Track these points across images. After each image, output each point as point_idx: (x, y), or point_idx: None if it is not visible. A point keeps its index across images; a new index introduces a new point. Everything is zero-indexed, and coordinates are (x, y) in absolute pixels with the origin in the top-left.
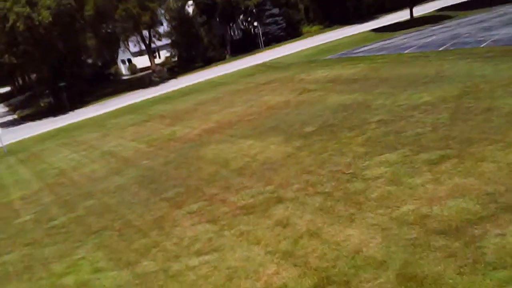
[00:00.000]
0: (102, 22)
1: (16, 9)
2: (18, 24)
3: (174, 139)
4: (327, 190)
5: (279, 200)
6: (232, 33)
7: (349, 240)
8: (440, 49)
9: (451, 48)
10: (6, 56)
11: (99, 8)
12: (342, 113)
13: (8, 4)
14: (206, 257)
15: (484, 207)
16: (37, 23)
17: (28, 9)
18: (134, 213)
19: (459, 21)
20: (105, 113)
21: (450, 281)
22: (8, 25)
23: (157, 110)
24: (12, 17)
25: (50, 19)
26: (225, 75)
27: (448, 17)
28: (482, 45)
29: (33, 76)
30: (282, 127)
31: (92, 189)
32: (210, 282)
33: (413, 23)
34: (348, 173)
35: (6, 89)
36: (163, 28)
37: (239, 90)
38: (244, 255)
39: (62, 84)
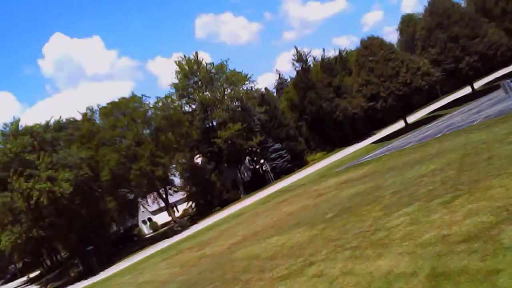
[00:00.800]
0: (119, 186)
1: (38, 186)
2: (41, 199)
3: (205, 256)
4: (354, 245)
5: (312, 263)
6: (241, 175)
7: (380, 268)
8: (438, 135)
9: (448, 133)
10: (34, 230)
11: (115, 173)
12: (358, 197)
13: (30, 184)
14: None
15: (498, 216)
16: (59, 195)
17: (49, 184)
18: None
19: (451, 115)
20: (134, 262)
21: (475, 267)
22: (32, 202)
23: (185, 245)
24: (35, 194)
25: (71, 189)
26: (243, 207)
27: (440, 115)
28: (475, 123)
29: (61, 254)
30: (304, 221)
31: None
32: None
33: (409, 128)
34: (371, 230)
35: (36, 273)
36: (177, 182)
37: (258, 212)
38: None
39: (90, 247)
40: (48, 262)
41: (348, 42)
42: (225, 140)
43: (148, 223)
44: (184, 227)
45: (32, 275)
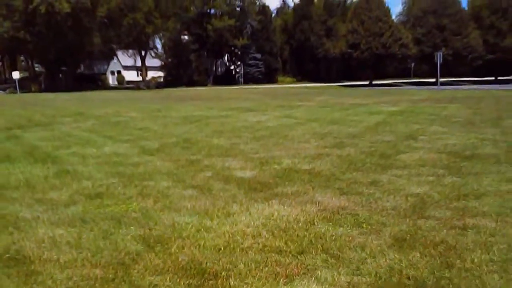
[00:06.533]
0: (108, 29)
1: None
2: (40, 7)
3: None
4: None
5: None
6: (215, 69)
7: None
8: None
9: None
10: (22, 31)
11: (111, 13)
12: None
13: None
14: None
15: None
16: (56, 10)
17: None
18: None
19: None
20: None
21: None
22: (31, 6)
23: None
24: (36, 1)
25: (69, 10)
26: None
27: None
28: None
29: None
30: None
31: None
32: None
33: (371, 86)
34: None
35: None
36: (159, 49)
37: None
38: None
39: (63, 68)
40: (7, 74)
41: None
42: (215, 29)
43: (116, 75)
44: (149, 88)
45: None
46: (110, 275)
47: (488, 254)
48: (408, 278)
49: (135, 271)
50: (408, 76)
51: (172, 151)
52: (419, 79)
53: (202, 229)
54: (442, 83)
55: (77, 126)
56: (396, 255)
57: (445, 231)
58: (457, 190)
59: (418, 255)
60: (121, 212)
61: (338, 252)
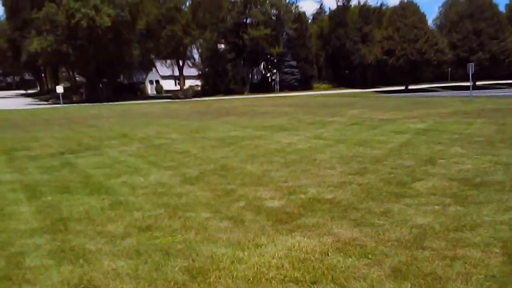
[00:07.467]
0: (146, 40)
1: (84, 10)
2: (82, 22)
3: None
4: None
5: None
6: (252, 77)
7: None
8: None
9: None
10: (65, 45)
11: (150, 25)
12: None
13: (78, 5)
14: None
15: None
16: (97, 24)
17: (93, 12)
18: None
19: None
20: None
21: None
22: (73, 21)
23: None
24: (78, 16)
25: (109, 24)
26: (243, 97)
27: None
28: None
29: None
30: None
31: None
32: None
33: (406, 91)
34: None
35: (32, 90)
36: (196, 59)
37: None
38: None
39: (104, 79)
40: (49, 85)
41: None
42: (252, 38)
43: (154, 84)
44: (187, 97)
45: (29, 91)
46: None
47: (467, 284)
48: None
49: None
50: (445, 80)
51: (210, 180)
52: (456, 82)
53: (235, 261)
54: (478, 87)
55: (123, 150)
56: (391, 285)
57: (436, 262)
58: (457, 220)
59: (409, 285)
60: (168, 244)
61: (344, 282)
